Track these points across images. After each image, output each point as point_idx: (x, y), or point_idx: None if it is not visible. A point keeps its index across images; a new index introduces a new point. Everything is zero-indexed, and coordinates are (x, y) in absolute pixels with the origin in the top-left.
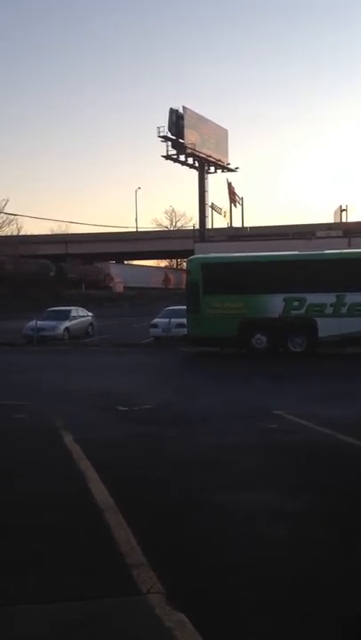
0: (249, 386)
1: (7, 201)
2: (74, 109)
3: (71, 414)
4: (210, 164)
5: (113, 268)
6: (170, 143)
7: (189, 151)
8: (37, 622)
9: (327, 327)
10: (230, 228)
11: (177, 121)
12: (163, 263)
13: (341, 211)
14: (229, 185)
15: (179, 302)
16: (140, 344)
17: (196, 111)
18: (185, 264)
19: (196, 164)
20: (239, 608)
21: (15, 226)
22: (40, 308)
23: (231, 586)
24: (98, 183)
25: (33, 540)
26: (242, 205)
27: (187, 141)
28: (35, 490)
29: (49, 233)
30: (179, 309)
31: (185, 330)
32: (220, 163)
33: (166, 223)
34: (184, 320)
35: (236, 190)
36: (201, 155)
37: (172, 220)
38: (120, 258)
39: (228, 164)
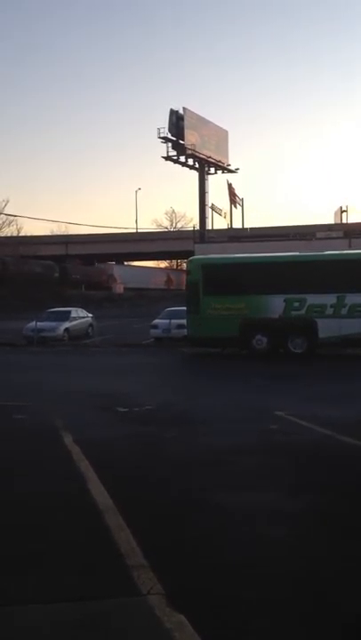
0: (249, 386)
1: (7, 202)
2: (74, 110)
3: (71, 415)
4: (210, 164)
5: (116, 270)
6: (170, 144)
7: (190, 152)
8: (37, 622)
9: (327, 328)
10: (230, 229)
11: (177, 122)
12: (163, 264)
13: (342, 212)
14: (230, 186)
15: (179, 303)
16: (140, 345)
17: (197, 112)
18: (185, 265)
19: (197, 165)
20: (239, 608)
21: (15, 227)
22: (41, 309)
23: (231, 586)
24: (98, 184)
25: (33, 540)
26: (242, 206)
27: (187, 142)
28: (35, 490)
29: (49, 234)
30: (179, 310)
31: (185, 330)
32: (220, 164)
33: (166, 224)
34: (184, 321)
35: (236, 191)
36: (201, 156)
37: (172, 221)
38: (120, 259)
39: (229, 164)
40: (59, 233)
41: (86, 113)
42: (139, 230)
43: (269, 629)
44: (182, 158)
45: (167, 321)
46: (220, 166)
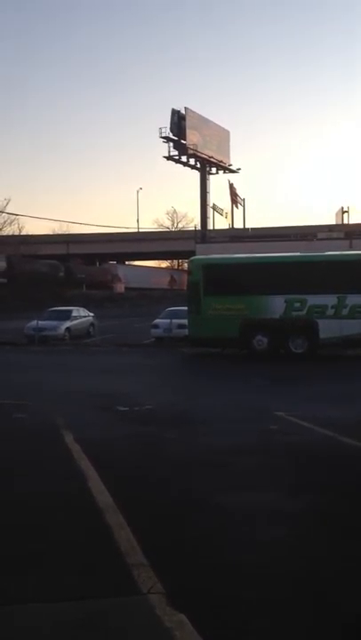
0: (249, 387)
1: (8, 201)
2: (75, 109)
3: (72, 414)
4: (211, 164)
5: (120, 269)
6: (172, 144)
7: (191, 152)
8: (38, 622)
9: (328, 329)
10: (232, 229)
11: (179, 122)
12: (164, 264)
13: (343, 212)
14: (231, 186)
15: (180, 303)
16: (141, 344)
17: (198, 112)
18: (186, 265)
19: (198, 165)
20: (239, 608)
21: (17, 226)
22: (43, 308)
23: (231, 586)
24: (99, 183)
25: (33, 539)
26: (243, 206)
27: (188, 142)
28: (35, 489)
29: (50, 233)
30: (180, 310)
31: (186, 330)
32: (221, 164)
33: (168, 224)
34: (185, 321)
35: (237, 191)
36: (203, 155)
37: (173, 221)
38: (121, 258)
39: (230, 164)
40: (60, 232)
41: (88, 113)
42: (140, 230)
43: (269, 629)
44: (184, 158)
45: (168, 321)
46: (221, 166)
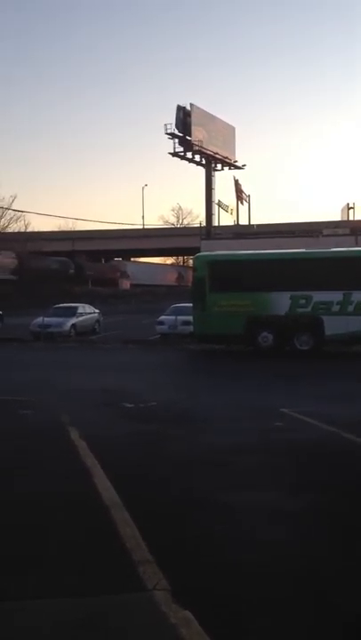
0: (255, 383)
1: (14, 198)
2: (81, 106)
3: (77, 410)
4: (217, 161)
5: (129, 266)
6: (177, 140)
7: (196, 148)
8: (41, 618)
9: (334, 325)
10: (237, 226)
11: (184, 118)
12: (169, 260)
13: (349, 209)
14: (236, 182)
15: (186, 299)
16: (146, 341)
17: (204, 108)
18: (191, 261)
19: (203, 162)
20: (240, 607)
21: (23, 222)
22: (49, 305)
23: (232, 585)
24: (104, 180)
25: (38, 536)
26: (249, 203)
27: (194, 138)
28: (40, 487)
29: (55, 230)
30: (185, 307)
31: (191, 327)
32: (227, 160)
33: (173, 220)
34: (190, 317)
35: (242, 188)
36: (208, 152)
37: (178, 218)
38: (127, 255)
39: (236, 161)
40: (65, 229)
41: (93, 110)
42: (145, 227)
43: (270, 628)
44: (189, 154)
45: (173, 317)
46: (226, 162)
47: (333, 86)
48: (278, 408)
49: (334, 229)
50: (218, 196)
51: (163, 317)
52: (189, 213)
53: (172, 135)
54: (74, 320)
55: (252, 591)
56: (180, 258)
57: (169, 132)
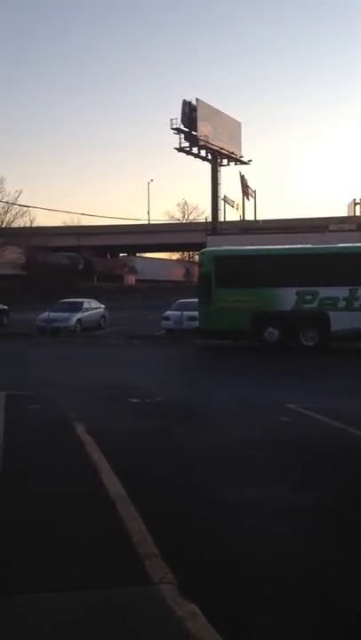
0: (261, 379)
1: (20, 193)
2: (81, 105)
3: (83, 405)
4: (223, 156)
5: (138, 262)
6: (183, 135)
7: (202, 143)
8: (49, 610)
9: (340, 321)
10: (243, 221)
11: (190, 113)
12: (175, 256)
13: (355, 204)
14: (242, 178)
15: (192, 295)
16: (151, 336)
17: (210, 103)
18: (197, 257)
19: (209, 157)
20: (242, 604)
21: (28, 217)
22: (55, 300)
23: (235, 582)
24: (110, 175)
25: (45, 529)
26: (255, 198)
27: (200, 134)
28: (46, 483)
29: (61, 225)
30: (191, 302)
31: (197, 322)
32: (233, 155)
33: (179, 216)
34: (196, 313)
35: (248, 183)
36: (214, 147)
37: (184, 213)
38: (132, 250)
39: (241, 156)
40: (71, 224)
41: (100, 105)
42: (151, 222)
43: (273, 626)
44: (195, 150)
45: (179, 313)
46: (232, 158)
47: (341, 79)
48: (284, 404)
49: (340, 225)
50: (224, 191)
51: (168, 313)
52: (195, 209)
53: (178, 130)
54: (79, 315)
55: (255, 589)
56: (186, 253)
57: (175, 127)
